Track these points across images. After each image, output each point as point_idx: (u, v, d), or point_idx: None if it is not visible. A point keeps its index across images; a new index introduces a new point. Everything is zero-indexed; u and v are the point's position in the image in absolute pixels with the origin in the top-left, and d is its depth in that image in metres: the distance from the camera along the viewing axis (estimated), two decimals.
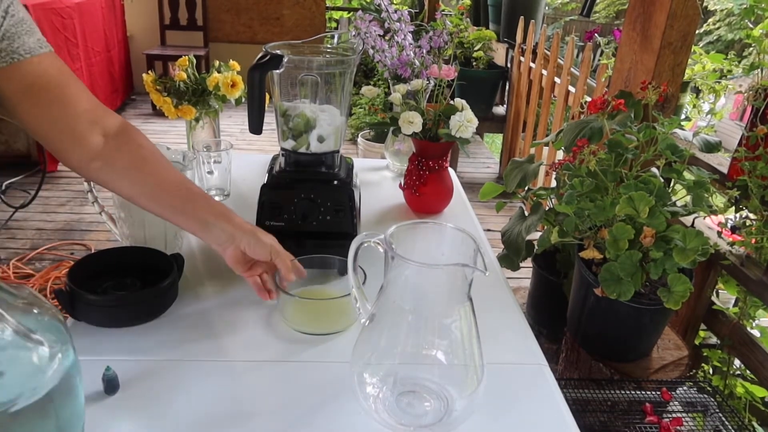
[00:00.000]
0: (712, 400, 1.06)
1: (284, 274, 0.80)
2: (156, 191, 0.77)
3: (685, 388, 1.08)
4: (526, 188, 1.33)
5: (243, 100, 1.33)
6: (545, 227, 1.25)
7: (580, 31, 4.98)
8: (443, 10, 4.05)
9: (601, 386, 1.06)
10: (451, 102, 1.16)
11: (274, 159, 1.05)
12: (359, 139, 3.33)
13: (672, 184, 1.13)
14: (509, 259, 1.24)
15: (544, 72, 2.94)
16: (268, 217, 0.93)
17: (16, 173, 3.03)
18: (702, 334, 1.40)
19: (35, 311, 0.47)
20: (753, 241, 1.17)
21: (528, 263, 1.39)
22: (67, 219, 2.81)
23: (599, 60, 2.61)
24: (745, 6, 1.29)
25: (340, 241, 0.91)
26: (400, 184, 1.23)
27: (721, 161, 1.35)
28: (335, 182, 0.95)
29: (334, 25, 6.10)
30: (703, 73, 1.57)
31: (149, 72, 1.34)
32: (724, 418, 1.03)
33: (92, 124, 0.75)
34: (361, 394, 0.64)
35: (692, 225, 1.20)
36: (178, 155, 0.96)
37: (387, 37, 1.32)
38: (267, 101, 0.94)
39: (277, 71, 0.90)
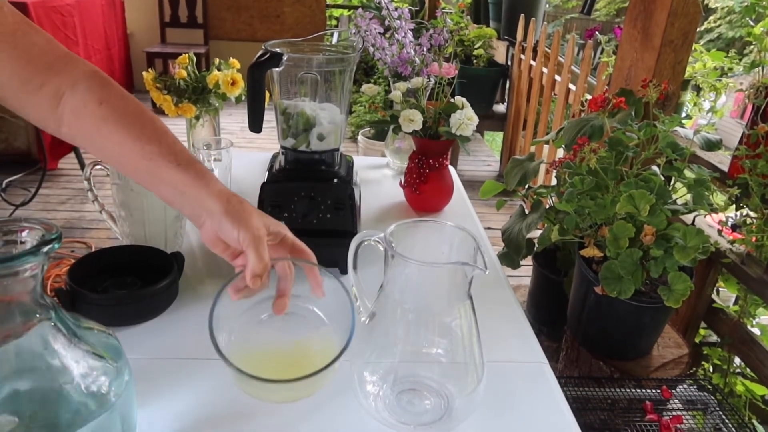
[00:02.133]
0: (712, 398, 1.07)
1: (247, 276, 0.60)
2: (119, 156, 0.66)
3: (685, 386, 1.08)
4: (527, 186, 1.33)
5: (243, 98, 1.33)
6: (546, 225, 1.25)
7: (581, 29, 4.97)
8: (444, 8, 4.05)
9: (602, 384, 1.06)
10: (452, 100, 1.16)
11: (274, 157, 1.05)
12: (359, 137, 3.33)
13: (672, 183, 1.13)
14: (510, 257, 1.24)
15: (545, 70, 2.94)
16: (269, 216, 0.93)
17: (16, 171, 3.03)
18: (702, 332, 1.40)
19: (95, 331, 0.52)
20: (753, 239, 1.17)
21: (528, 261, 1.39)
22: (67, 217, 2.81)
23: (600, 58, 2.60)
24: (745, 4, 1.29)
25: (340, 240, 0.91)
26: (401, 182, 1.23)
27: (722, 159, 1.35)
28: (335, 180, 0.95)
29: (334, 22, 6.10)
30: (703, 71, 1.56)
31: (149, 70, 1.34)
32: (724, 416, 1.03)
33: (56, 92, 0.64)
34: (361, 393, 0.64)
35: (693, 223, 1.20)
36: None
37: (387, 35, 1.32)
38: (267, 99, 0.94)
39: (277, 69, 0.90)
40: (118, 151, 0.65)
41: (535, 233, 1.22)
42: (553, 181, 1.49)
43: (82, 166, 3.11)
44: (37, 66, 0.64)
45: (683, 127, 1.32)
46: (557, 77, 2.79)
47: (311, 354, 0.61)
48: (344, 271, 0.94)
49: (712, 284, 1.32)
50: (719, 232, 1.25)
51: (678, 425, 0.95)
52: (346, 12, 5.94)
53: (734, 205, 1.21)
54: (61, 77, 0.65)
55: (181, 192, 0.64)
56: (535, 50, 3.11)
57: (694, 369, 1.30)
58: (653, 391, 1.05)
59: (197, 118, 1.33)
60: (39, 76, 0.64)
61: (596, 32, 2.85)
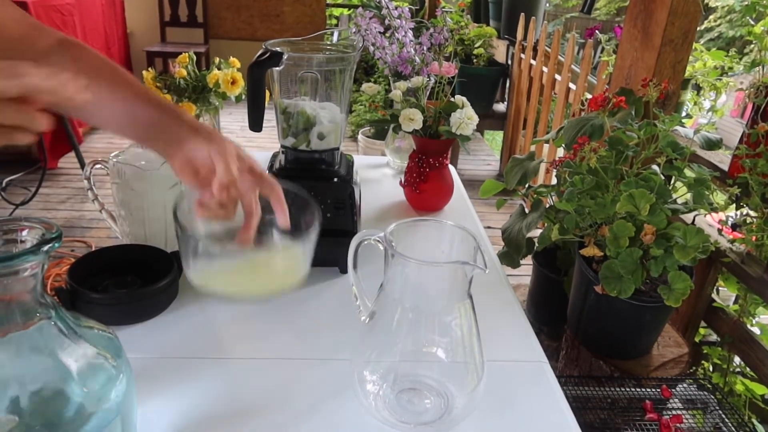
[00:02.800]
0: (712, 397, 1.07)
1: (214, 187, 0.62)
2: (93, 104, 0.64)
3: (685, 385, 1.08)
4: (527, 185, 1.33)
5: (243, 97, 1.33)
6: (546, 224, 1.25)
7: (581, 28, 4.97)
8: (444, 7, 4.05)
9: (602, 383, 1.06)
10: (452, 99, 1.16)
11: (274, 156, 1.05)
12: (359, 137, 3.33)
13: (673, 182, 1.13)
14: (510, 256, 1.24)
15: (545, 69, 2.94)
16: (269, 215, 0.93)
17: (16, 170, 3.03)
18: (702, 331, 1.40)
19: (96, 330, 0.51)
20: (753, 238, 1.17)
21: (528, 261, 1.39)
22: (67, 216, 2.81)
23: (600, 57, 2.60)
24: (746, 3, 1.29)
25: (340, 239, 0.91)
26: (401, 182, 1.23)
27: (722, 158, 1.35)
28: (335, 180, 0.95)
29: (334, 22, 6.10)
30: (704, 70, 1.56)
31: (149, 69, 1.34)
32: (723, 416, 1.03)
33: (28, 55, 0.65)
34: (361, 392, 0.64)
35: (693, 222, 1.20)
36: None
37: (387, 34, 1.32)
38: (267, 98, 0.94)
39: (277, 68, 0.90)
40: (93, 99, 0.64)
41: (535, 232, 1.22)
42: (553, 181, 1.49)
43: (82, 165, 3.11)
44: (7, 40, 0.65)
45: (683, 127, 1.32)
46: (557, 76, 2.78)
47: (276, 255, 0.64)
48: (344, 271, 0.94)
49: (712, 283, 1.32)
50: (719, 231, 1.25)
51: (678, 424, 0.96)
52: (346, 11, 5.94)
53: (734, 205, 1.21)
54: (34, 49, 0.66)
55: (156, 126, 0.66)
56: (535, 49, 3.11)
57: (694, 368, 1.30)
58: (653, 390, 1.05)
59: (197, 117, 1.33)
60: (8, 52, 0.65)
61: (596, 31, 2.85)
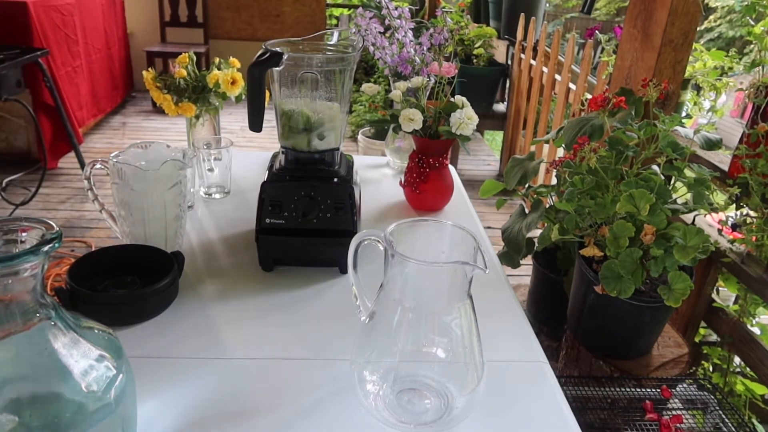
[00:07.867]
0: (712, 397, 1.07)
1: None
2: None
3: (685, 385, 1.08)
4: (527, 186, 1.33)
5: (243, 97, 1.32)
6: (546, 225, 1.25)
7: (581, 28, 4.97)
8: (444, 7, 4.05)
9: (602, 384, 1.06)
10: (452, 99, 1.16)
11: (275, 156, 1.05)
12: (359, 137, 3.33)
13: (673, 182, 1.13)
14: (509, 256, 1.24)
15: (545, 69, 2.94)
16: (269, 215, 0.93)
17: (16, 170, 3.03)
18: (702, 331, 1.40)
19: (96, 330, 0.52)
20: (753, 238, 1.17)
21: (528, 261, 1.39)
22: (67, 216, 2.81)
23: (600, 57, 2.60)
24: (746, 3, 1.29)
25: (340, 239, 0.91)
26: (401, 182, 1.23)
27: (722, 159, 1.35)
28: (335, 180, 0.95)
29: (334, 22, 6.10)
30: (704, 70, 1.56)
31: (149, 69, 1.34)
32: (723, 416, 1.03)
33: None
34: (361, 392, 0.64)
35: (693, 222, 1.20)
36: (178, 153, 0.96)
37: (387, 34, 1.32)
38: (267, 99, 0.94)
39: (277, 68, 0.90)
40: None
41: (535, 232, 1.22)
42: (553, 181, 1.49)
43: (82, 165, 3.11)
44: None
45: (683, 127, 1.32)
46: (557, 76, 2.78)
47: None
48: (344, 271, 0.94)
49: (712, 283, 1.32)
50: (719, 231, 1.24)
51: (678, 424, 0.96)
52: (346, 11, 5.94)
53: (734, 205, 1.21)
54: None
55: None
56: (535, 49, 3.11)
57: (694, 368, 1.30)
58: (653, 390, 1.05)
59: (197, 117, 1.33)
60: None
61: (596, 31, 2.84)
